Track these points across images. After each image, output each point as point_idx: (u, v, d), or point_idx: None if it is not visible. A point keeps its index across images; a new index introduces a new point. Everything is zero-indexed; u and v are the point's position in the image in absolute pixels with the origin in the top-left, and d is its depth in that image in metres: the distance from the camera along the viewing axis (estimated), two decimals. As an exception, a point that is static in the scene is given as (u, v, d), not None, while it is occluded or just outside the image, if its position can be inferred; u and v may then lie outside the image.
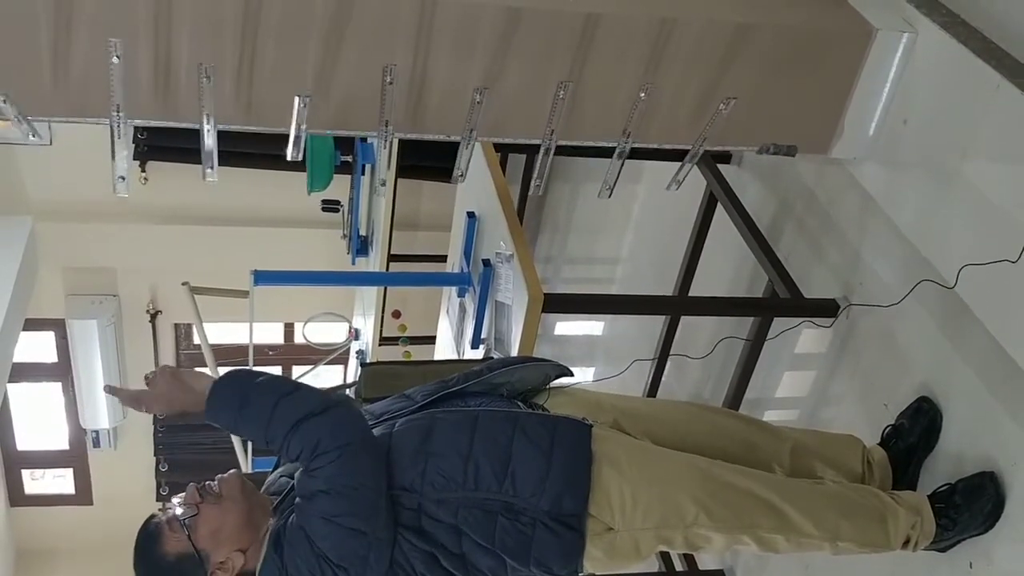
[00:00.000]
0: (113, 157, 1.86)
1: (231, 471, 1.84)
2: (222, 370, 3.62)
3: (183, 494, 1.78)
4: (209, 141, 1.86)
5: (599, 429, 1.92)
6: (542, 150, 2.09)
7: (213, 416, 1.74)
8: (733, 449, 2.15)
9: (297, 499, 1.72)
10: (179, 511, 1.75)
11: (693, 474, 1.94)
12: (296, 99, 1.87)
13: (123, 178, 1.81)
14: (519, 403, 1.99)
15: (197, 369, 1.83)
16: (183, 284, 3.13)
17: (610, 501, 1.85)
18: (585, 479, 1.83)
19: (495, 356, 2.88)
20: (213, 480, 1.81)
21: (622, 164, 2.17)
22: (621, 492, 1.85)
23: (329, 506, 1.67)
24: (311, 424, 1.69)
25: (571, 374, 2.10)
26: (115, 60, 1.83)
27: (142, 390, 1.78)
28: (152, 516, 1.79)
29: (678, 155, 2.27)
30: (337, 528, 1.67)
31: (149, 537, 1.76)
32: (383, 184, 2.06)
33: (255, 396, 1.73)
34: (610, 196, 2.20)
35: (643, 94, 2.07)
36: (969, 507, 2.13)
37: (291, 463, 1.81)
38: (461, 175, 2.10)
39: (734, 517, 1.95)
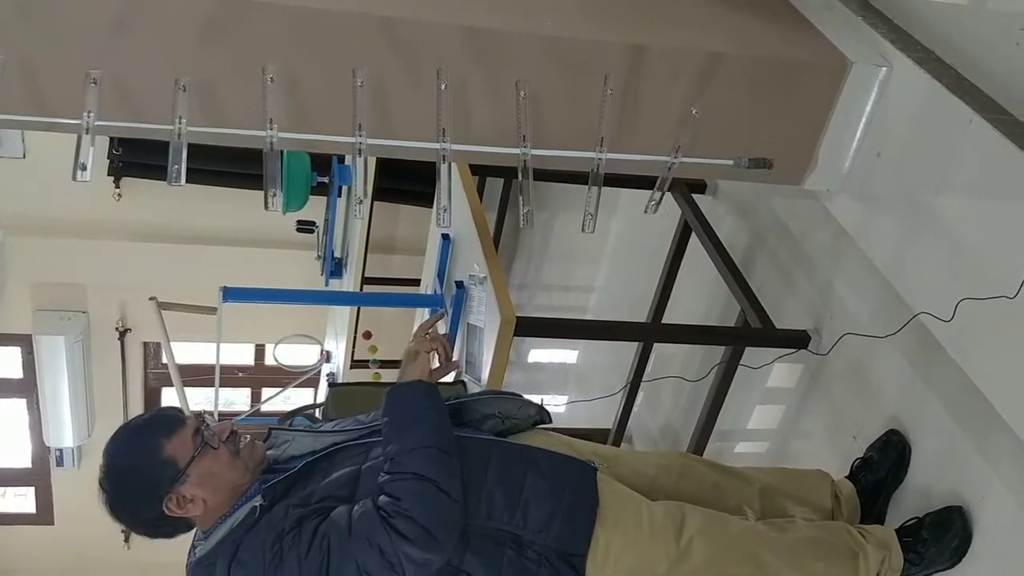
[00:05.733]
0: (78, 151, 1.78)
1: (261, 444, 1.83)
2: (191, 391, 3.60)
3: (215, 418, 1.79)
4: (178, 143, 1.82)
5: (603, 472, 1.91)
6: (520, 169, 2.06)
7: (393, 396, 1.81)
8: (702, 494, 2.13)
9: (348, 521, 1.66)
10: (208, 433, 1.74)
11: (668, 525, 1.91)
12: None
13: (84, 166, 1.75)
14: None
15: (438, 370, 1.98)
16: (151, 299, 3.09)
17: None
18: (590, 521, 1.81)
19: (466, 380, 2.86)
20: (247, 436, 1.80)
21: (599, 192, 2.13)
22: (595, 538, 1.82)
23: (369, 560, 1.62)
24: (428, 489, 1.66)
25: (550, 420, 2.08)
26: (92, 85, 1.81)
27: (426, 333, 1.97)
28: (178, 409, 1.80)
29: (654, 181, 2.27)
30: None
31: (164, 422, 1.74)
32: (360, 202, 2.01)
33: (427, 426, 1.74)
34: (593, 230, 2.16)
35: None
36: (936, 542, 2.12)
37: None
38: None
39: (708, 568, 1.93)
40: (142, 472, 1.72)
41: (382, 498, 1.66)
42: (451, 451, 1.75)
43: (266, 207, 1.90)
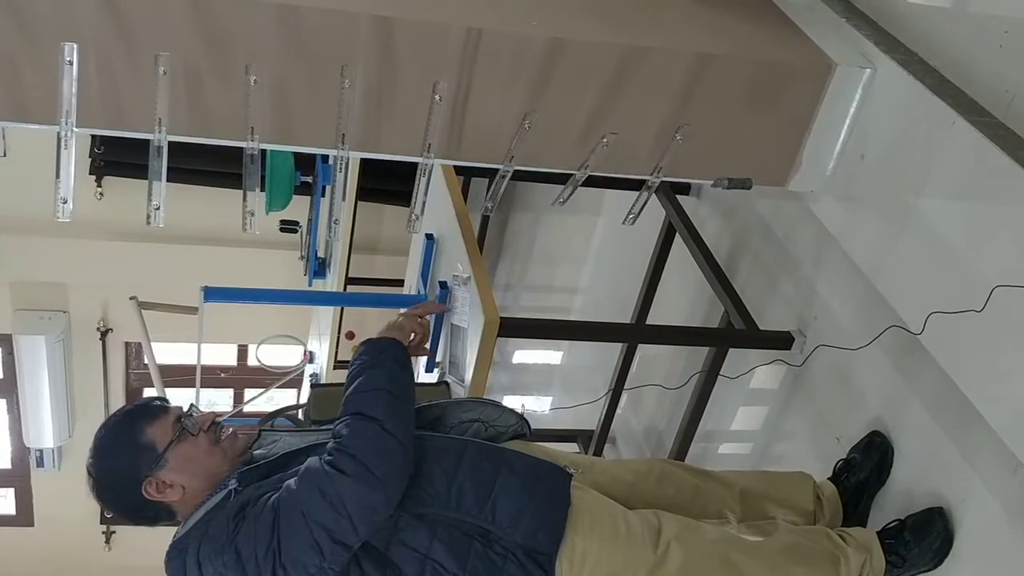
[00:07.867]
0: (58, 175, 1.79)
1: (246, 435, 1.87)
2: (171, 391, 3.57)
3: (202, 410, 1.83)
4: (158, 163, 1.82)
5: (578, 479, 1.91)
6: (499, 174, 2.07)
7: (357, 352, 1.87)
8: (682, 499, 2.13)
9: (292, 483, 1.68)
10: (189, 421, 1.79)
11: (645, 533, 1.90)
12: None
13: (65, 200, 1.75)
14: None
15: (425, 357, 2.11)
16: (131, 299, 3.07)
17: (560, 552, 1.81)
18: (561, 522, 1.81)
19: (449, 380, 2.85)
20: (229, 428, 1.84)
21: (577, 186, 2.15)
22: (572, 544, 1.81)
23: (312, 505, 1.62)
24: (371, 427, 1.69)
25: (531, 432, 2.08)
26: (69, 64, 1.79)
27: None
28: (163, 398, 1.88)
29: (639, 184, 2.27)
30: (307, 531, 1.63)
31: (146, 410, 1.80)
32: (336, 223, 2.03)
33: (383, 372, 1.79)
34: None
35: (605, 140, 2.07)
36: (919, 543, 2.13)
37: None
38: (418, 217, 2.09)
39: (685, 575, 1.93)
40: (123, 456, 1.76)
41: (328, 444, 1.70)
42: (404, 398, 1.78)
43: (244, 230, 1.93)
